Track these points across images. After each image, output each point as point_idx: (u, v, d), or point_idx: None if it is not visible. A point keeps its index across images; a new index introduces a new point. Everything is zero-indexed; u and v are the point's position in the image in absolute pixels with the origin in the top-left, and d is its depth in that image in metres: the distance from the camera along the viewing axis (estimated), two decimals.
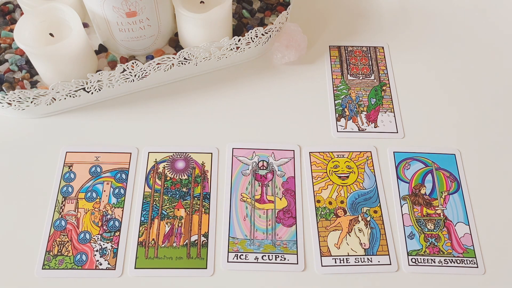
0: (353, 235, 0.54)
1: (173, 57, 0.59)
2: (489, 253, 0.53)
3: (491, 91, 0.65)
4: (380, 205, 0.56)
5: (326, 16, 0.72)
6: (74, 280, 0.51)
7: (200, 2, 0.61)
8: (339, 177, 0.58)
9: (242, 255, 0.52)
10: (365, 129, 0.61)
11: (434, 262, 0.53)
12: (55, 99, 0.59)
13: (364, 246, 0.53)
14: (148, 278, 0.51)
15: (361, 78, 0.66)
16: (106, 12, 0.56)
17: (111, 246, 0.53)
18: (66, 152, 0.58)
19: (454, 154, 0.60)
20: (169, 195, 0.56)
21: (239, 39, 0.61)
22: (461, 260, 0.53)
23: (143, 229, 0.54)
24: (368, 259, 0.53)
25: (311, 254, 0.53)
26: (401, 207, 0.56)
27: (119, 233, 0.53)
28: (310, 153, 0.59)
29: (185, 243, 0.53)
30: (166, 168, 0.58)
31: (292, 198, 0.56)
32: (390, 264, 0.52)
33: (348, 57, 0.68)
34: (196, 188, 0.56)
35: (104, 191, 0.56)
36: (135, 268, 0.51)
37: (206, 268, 0.52)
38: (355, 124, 0.62)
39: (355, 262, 0.52)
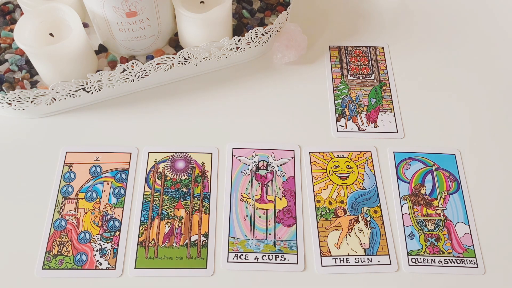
0: (353, 235, 0.54)
1: (173, 57, 0.59)
2: (489, 253, 0.53)
3: (492, 91, 0.65)
4: (380, 205, 0.56)
5: (326, 16, 0.72)
6: (74, 280, 0.51)
7: (200, 2, 0.61)
8: (339, 177, 0.58)
9: (242, 255, 0.52)
10: (365, 129, 0.61)
11: (434, 262, 0.53)
12: (55, 99, 0.59)
13: (364, 246, 0.53)
14: (148, 278, 0.51)
15: (361, 78, 0.66)
16: (106, 12, 0.56)
17: (111, 246, 0.53)
18: (66, 152, 0.58)
19: (454, 154, 0.60)
20: (169, 195, 0.56)
21: (239, 39, 0.61)
22: (461, 260, 0.53)
23: (143, 229, 0.54)
24: (368, 259, 0.53)
25: (311, 254, 0.53)
26: (401, 207, 0.56)
27: (119, 233, 0.53)
28: (310, 153, 0.59)
29: (185, 243, 0.53)
30: (166, 168, 0.58)
31: (292, 198, 0.56)
32: (390, 264, 0.52)
33: (348, 57, 0.68)
34: (196, 188, 0.56)
35: (104, 191, 0.56)
36: (135, 268, 0.51)
37: (206, 268, 0.52)
38: (355, 124, 0.62)
39: (355, 262, 0.52)
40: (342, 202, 0.56)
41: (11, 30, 0.64)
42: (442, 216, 0.55)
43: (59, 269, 0.51)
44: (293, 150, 0.59)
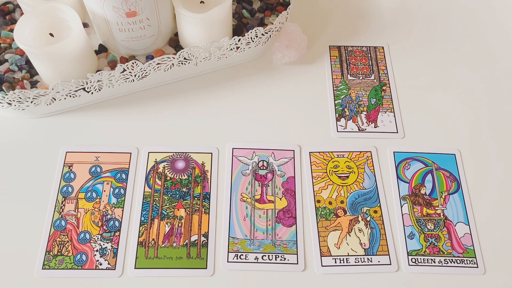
0: (353, 235, 0.54)
1: (173, 57, 0.59)
2: (489, 253, 0.53)
3: (492, 91, 0.65)
4: (380, 205, 0.56)
5: (326, 16, 0.72)
6: (74, 280, 0.51)
7: (200, 2, 0.61)
8: (339, 177, 0.58)
9: (242, 255, 0.52)
10: (365, 129, 0.61)
11: (434, 262, 0.53)
12: (55, 99, 0.59)
13: (364, 246, 0.53)
14: (148, 278, 0.51)
15: (361, 78, 0.66)
16: (106, 12, 0.56)
17: (111, 246, 0.53)
18: (66, 152, 0.58)
19: (454, 154, 0.60)
20: (169, 195, 0.56)
21: (239, 39, 0.61)
22: (461, 260, 0.53)
23: (143, 229, 0.54)
24: (368, 259, 0.53)
25: (311, 254, 0.53)
26: (401, 207, 0.56)
27: (119, 233, 0.53)
28: (310, 153, 0.59)
29: (185, 243, 0.53)
30: (166, 168, 0.58)
31: (292, 198, 0.56)
32: (390, 264, 0.52)
33: (348, 57, 0.68)
34: (196, 188, 0.56)
35: (104, 191, 0.56)
36: (135, 268, 0.51)
37: (206, 268, 0.52)
38: (355, 124, 0.62)
39: (355, 262, 0.52)
40: (342, 202, 0.56)
41: (11, 30, 0.64)
42: (442, 216, 0.55)
43: (59, 269, 0.51)
44: (293, 150, 0.59)
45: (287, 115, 0.62)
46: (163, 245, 0.53)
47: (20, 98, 0.56)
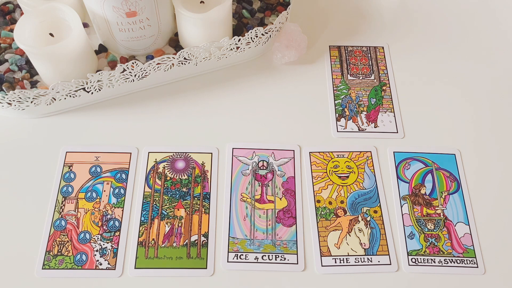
0: (353, 235, 0.54)
1: (173, 57, 0.59)
2: (489, 253, 0.53)
3: (492, 91, 0.65)
4: (380, 205, 0.56)
5: (326, 16, 0.72)
6: (74, 280, 0.51)
7: (200, 2, 0.61)
8: (339, 177, 0.58)
9: (242, 255, 0.52)
10: (365, 129, 0.61)
11: (434, 262, 0.53)
12: (55, 99, 0.59)
13: (364, 246, 0.53)
14: (148, 278, 0.51)
15: (361, 78, 0.66)
16: (106, 12, 0.56)
17: (111, 246, 0.53)
18: (66, 152, 0.58)
19: (454, 154, 0.60)
20: (169, 195, 0.56)
21: (239, 39, 0.61)
22: (461, 260, 0.53)
23: (143, 229, 0.54)
24: (368, 259, 0.53)
25: (311, 254, 0.53)
26: (401, 207, 0.56)
27: (119, 233, 0.53)
28: (310, 153, 0.59)
29: (185, 243, 0.53)
30: (166, 168, 0.58)
31: (292, 198, 0.56)
32: (390, 264, 0.52)
33: (348, 57, 0.68)
34: (196, 188, 0.56)
35: (104, 191, 0.56)
36: (135, 268, 0.51)
37: (206, 268, 0.52)
38: (355, 124, 0.62)
39: (355, 262, 0.52)
40: (342, 202, 0.56)
41: (11, 30, 0.64)
42: (442, 216, 0.55)
43: (59, 269, 0.51)
44: (293, 150, 0.59)
45: (287, 115, 0.62)
46: (163, 245, 0.53)
47: (20, 98, 0.56)
